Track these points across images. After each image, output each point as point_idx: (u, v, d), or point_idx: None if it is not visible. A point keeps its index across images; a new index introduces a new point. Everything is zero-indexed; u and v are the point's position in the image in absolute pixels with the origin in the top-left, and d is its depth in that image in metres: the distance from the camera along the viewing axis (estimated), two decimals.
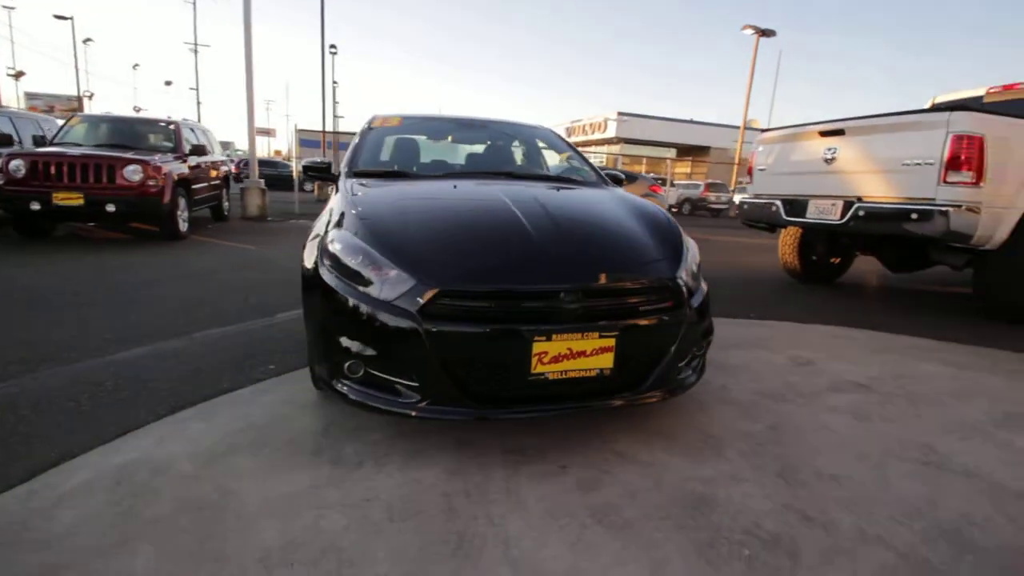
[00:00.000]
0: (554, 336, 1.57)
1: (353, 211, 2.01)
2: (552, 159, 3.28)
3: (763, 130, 5.01)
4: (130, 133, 6.98)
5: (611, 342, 1.63)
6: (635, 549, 1.37)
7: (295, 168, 13.01)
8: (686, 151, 36.47)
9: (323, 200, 18.88)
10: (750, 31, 22.34)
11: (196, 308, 3.59)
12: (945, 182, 3.41)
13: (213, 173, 8.02)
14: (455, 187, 2.33)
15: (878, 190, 3.82)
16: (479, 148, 3.26)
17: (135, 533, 1.38)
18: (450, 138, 3.22)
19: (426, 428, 1.95)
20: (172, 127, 7.15)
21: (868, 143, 3.88)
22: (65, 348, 2.71)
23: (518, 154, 3.24)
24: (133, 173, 5.65)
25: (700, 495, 1.61)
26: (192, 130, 7.61)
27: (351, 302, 1.67)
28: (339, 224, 1.98)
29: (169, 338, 2.94)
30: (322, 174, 2.79)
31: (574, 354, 1.60)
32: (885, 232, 3.83)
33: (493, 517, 1.48)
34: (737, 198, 18.36)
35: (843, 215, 4.02)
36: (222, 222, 8.93)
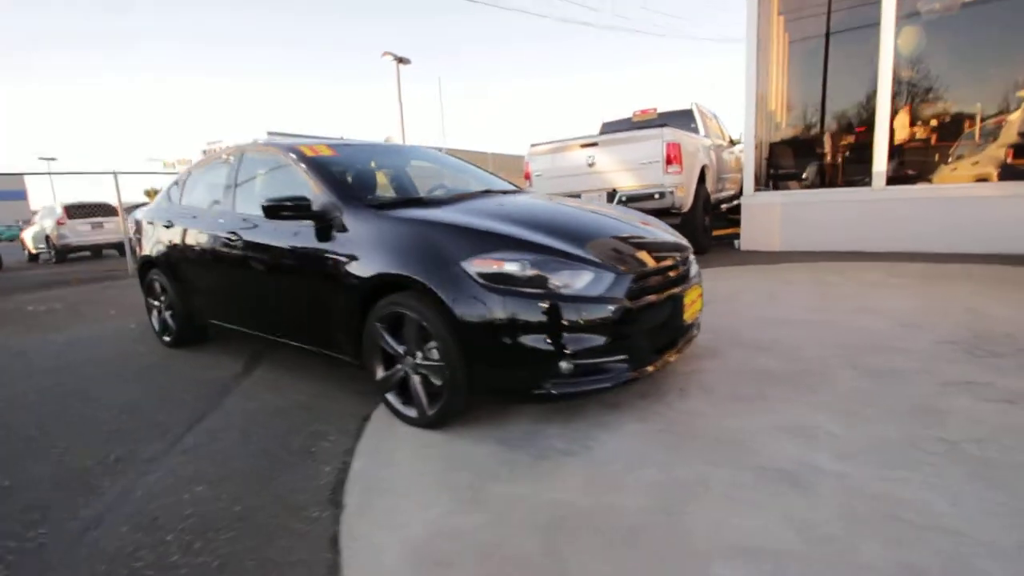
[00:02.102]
0: (689, 291, 2.23)
1: (471, 230, 2.09)
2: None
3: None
4: None
5: (701, 290, 2.40)
6: (768, 386, 2.22)
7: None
8: None
9: None
10: (390, 57, 24.67)
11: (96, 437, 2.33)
12: (666, 172, 5.41)
13: None
14: (502, 204, 2.54)
15: (627, 182, 5.63)
16: (432, 171, 3.31)
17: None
18: (400, 165, 3.19)
19: (576, 405, 2.27)
20: None
21: (616, 151, 5.65)
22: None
23: (471, 173, 3.45)
24: None
25: (751, 344, 2.58)
26: None
27: (560, 309, 1.89)
28: (441, 251, 2.03)
29: (139, 473, 2.00)
30: (301, 213, 2.42)
31: (693, 302, 2.30)
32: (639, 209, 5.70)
33: (697, 424, 2.07)
34: None
35: (609, 201, 5.71)
36: None
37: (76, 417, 2.62)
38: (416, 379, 2.18)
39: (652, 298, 2.06)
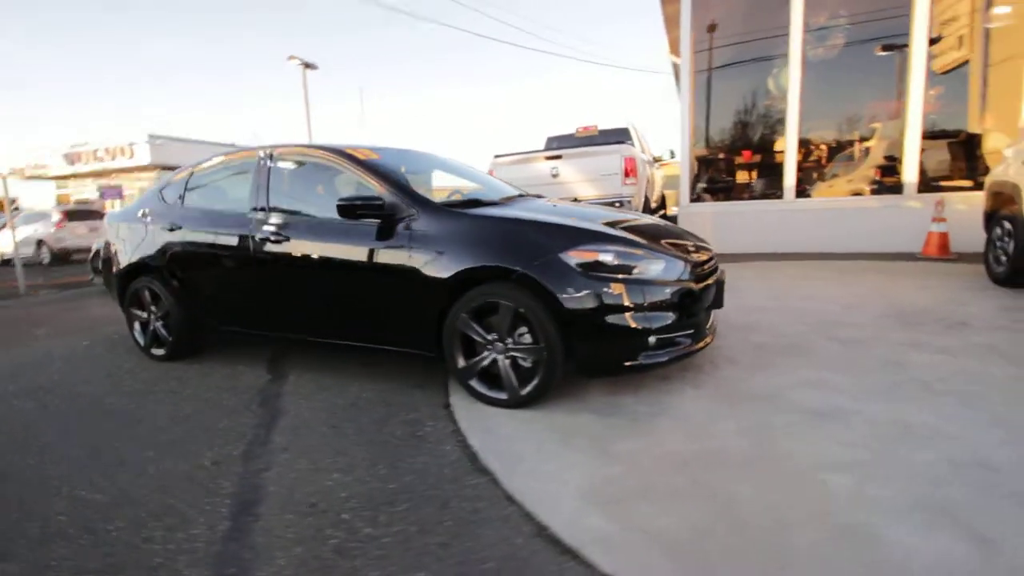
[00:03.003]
0: (722, 278, 2.69)
1: (560, 226, 2.38)
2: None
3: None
4: None
5: (723, 275, 2.88)
6: (773, 355, 2.75)
7: None
8: None
9: None
10: (296, 62, 23.56)
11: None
12: (624, 184, 6.01)
13: None
14: (555, 206, 2.82)
15: (589, 192, 6.16)
16: (465, 176, 3.48)
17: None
18: (424, 169, 3.30)
19: (635, 379, 2.61)
20: None
21: (578, 163, 6.15)
22: None
23: (479, 177, 3.66)
24: None
25: (740, 326, 3.12)
26: None
27: (649, 292, 2.23)
28: (538, 244, 2.30)
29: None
30: (375, 212, 2.52)
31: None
32: None
33: (739, 386, 2.52)
34: None
35: None
36: None
37: (112, 433, 2.44)
38: (505, 363, 2.39)
39: (707, 282, 2.48)
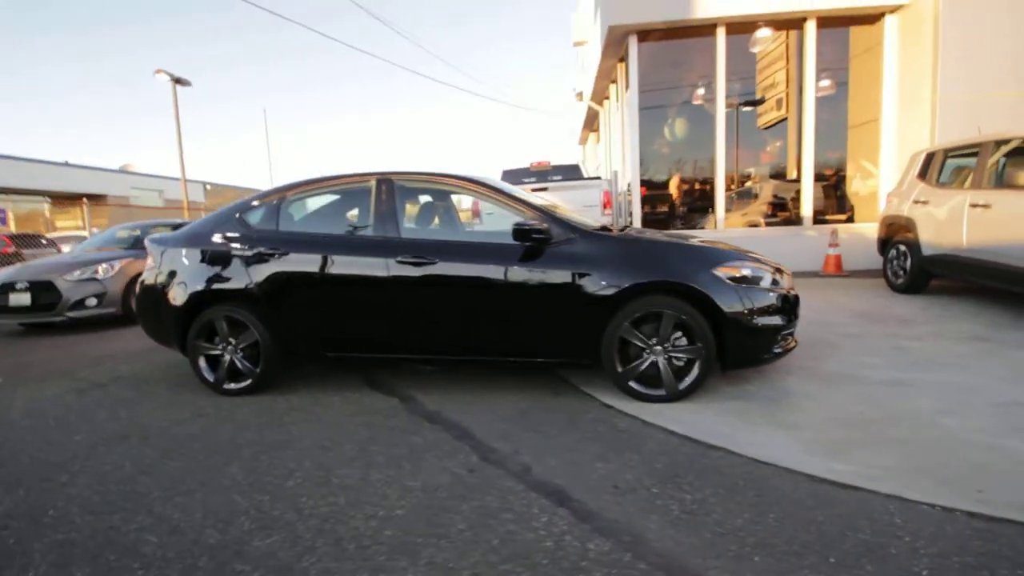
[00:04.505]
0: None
1: (702, 247, 2.94)
2: None
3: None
4: None
5: None
6: (816, 348, 3.57)
7: None
8: (69, 200, 29.64)
9: None
10: (165, 76, 21.16)
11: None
12: (603, 214, 6.77)
13: None
14: (656, 232, 3.32)
15: None
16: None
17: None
18: None
19: (737, 373, 3.20)
20: None
21: (563, 196, 6.74)
22: None
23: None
24: None
25: None
26: None
27: (777, 298, 2.86)
28: (697, 262, 2.82)
29: None
30: (542, 235, 2.81)
31: None
32: None
33: (817, 370, 3.26)
34: None
35: None
36: None
37: (314, 463, 2.33)
38: (664, 363, 2.81)
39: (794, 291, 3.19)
